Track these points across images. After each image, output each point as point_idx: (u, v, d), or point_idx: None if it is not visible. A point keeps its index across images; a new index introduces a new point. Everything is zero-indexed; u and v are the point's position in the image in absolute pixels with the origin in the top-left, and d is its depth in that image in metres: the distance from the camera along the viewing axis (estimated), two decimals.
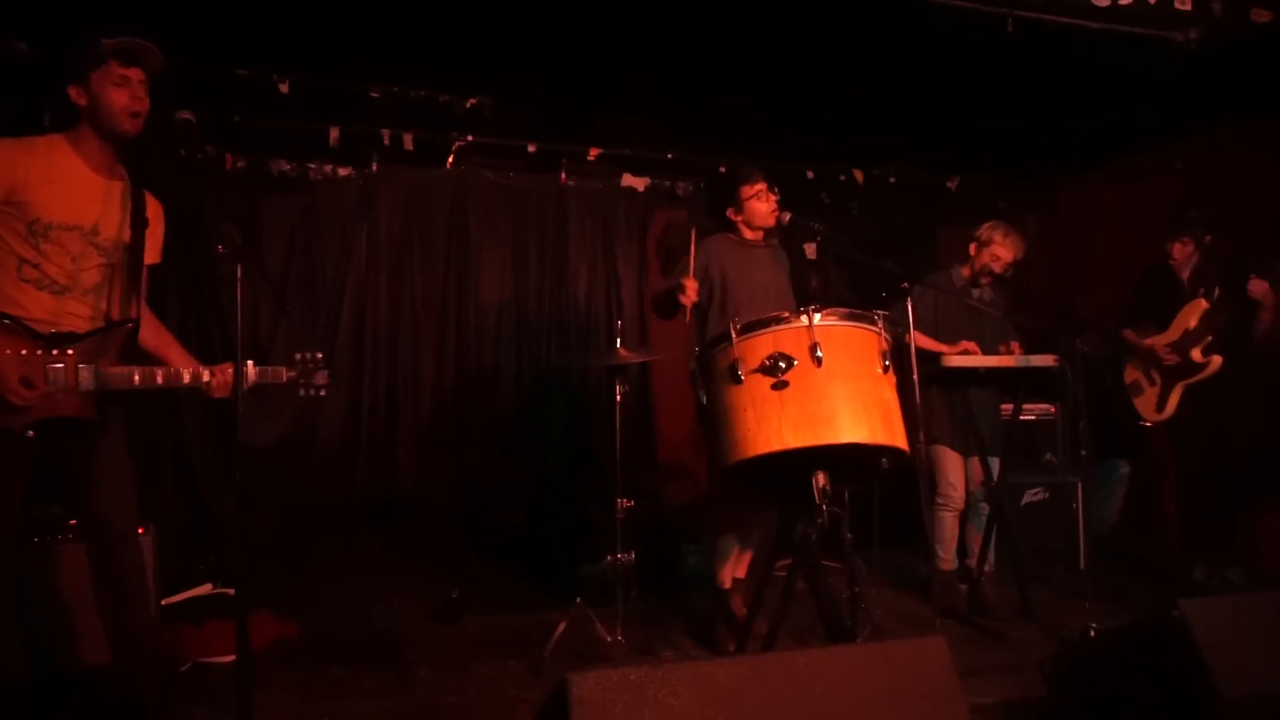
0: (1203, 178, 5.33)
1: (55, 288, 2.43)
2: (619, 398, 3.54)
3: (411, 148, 5.21)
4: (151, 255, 2.69)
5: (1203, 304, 4.23)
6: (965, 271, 4.23)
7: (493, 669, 3.33)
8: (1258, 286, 4.04)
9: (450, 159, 5.54)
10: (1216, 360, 4.16)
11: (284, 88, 4.44)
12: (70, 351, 2.39)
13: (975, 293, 4.17)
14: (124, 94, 2.44)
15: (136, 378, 2.47)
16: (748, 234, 3.74)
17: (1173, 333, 4.31)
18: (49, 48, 3.96)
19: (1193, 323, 4.24)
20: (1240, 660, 2.19)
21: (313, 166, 5.36)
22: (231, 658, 2.67)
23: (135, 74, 2.47)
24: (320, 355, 2.75)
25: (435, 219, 5.73)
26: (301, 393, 2.71)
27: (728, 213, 3.75)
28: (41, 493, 2.59)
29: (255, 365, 2.59)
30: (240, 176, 5.16)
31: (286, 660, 3.37)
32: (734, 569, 3.72)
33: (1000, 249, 4.10)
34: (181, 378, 2.53)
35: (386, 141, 5.14)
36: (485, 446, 5.68)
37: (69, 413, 2.39)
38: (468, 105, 4.82)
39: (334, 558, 5.14)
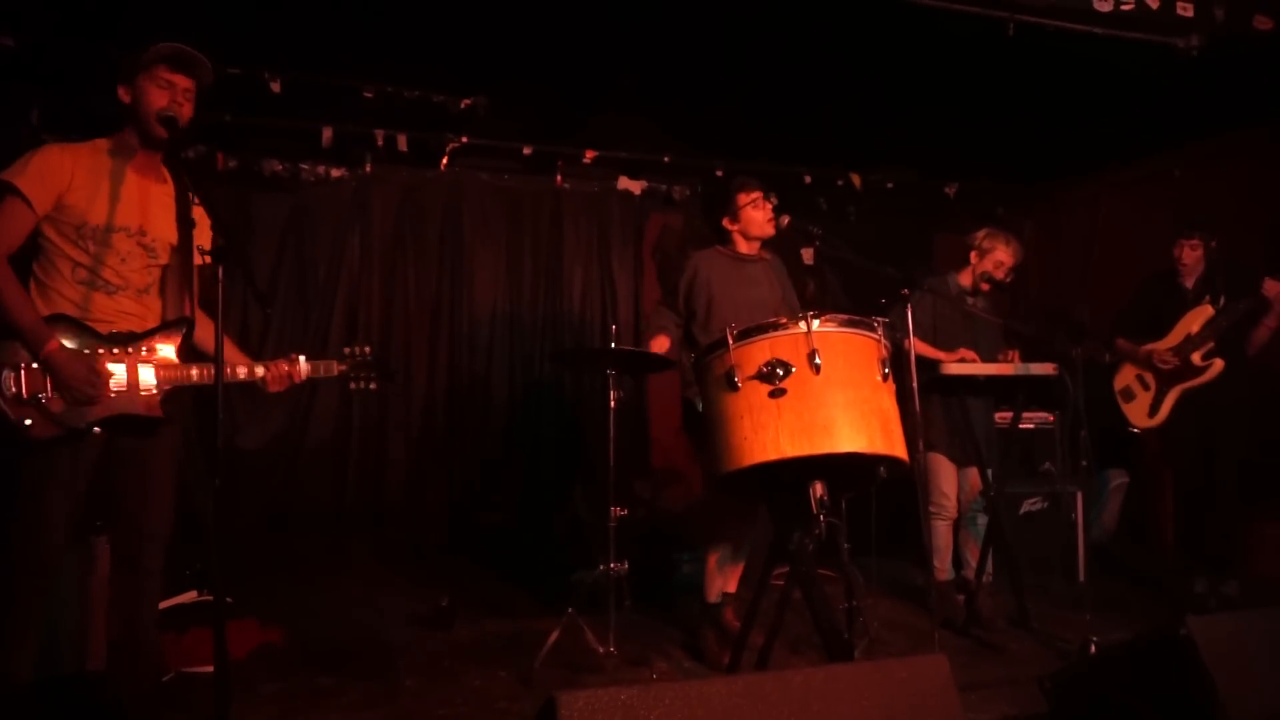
0: (1201, 185, 5.30)
1: (109, 288, 2.47)
2: (613, 403, 3.49)
3: (405, 148, 5.17)
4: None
5: (1208, 309, 4.15)
6: (962, 280, 4.19)
7: (482, 679, 3.26)
8: (1272, 287, 3.97)
9: (444, 160, 5.49)
10: (1218, 364, 4.09)
11: (276, 86, 4.38)
12: (130, 350, 2.45)
13: (971, 300, 4.14)
14: (163, 96, 2.44)
15: (195, 374, 2.50)
16: (742, 246, 3.67)
17: (1173, 338, 4.23)
18: (35, 43, 3.90)
19: (1195, 327, 4.17)
20: (1248, 679, 2.14)
21: (305, 167, 5.31)
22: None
23: (181, 81, 2.47)
24: (369, 349, 2.80)
25: (429, 221, 5.68)
26: (352, 385, 2.78)
27: (723, 222, 3.68)
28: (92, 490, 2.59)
29: (308, 360, 2.65)
30: (231, 176, 5.10)
31: (271, 669, 3.30)
32: (724, 583, 3.66)
33: (1003, 255, 4.08)
34: (237, 373, 2.57)
35: (380, 142, 5.10)
36: (477, 451, 5.62)
37: (135, 411, 2.42)
38: (462, 106, 4.77)
39: (322, 562, 5.07)
